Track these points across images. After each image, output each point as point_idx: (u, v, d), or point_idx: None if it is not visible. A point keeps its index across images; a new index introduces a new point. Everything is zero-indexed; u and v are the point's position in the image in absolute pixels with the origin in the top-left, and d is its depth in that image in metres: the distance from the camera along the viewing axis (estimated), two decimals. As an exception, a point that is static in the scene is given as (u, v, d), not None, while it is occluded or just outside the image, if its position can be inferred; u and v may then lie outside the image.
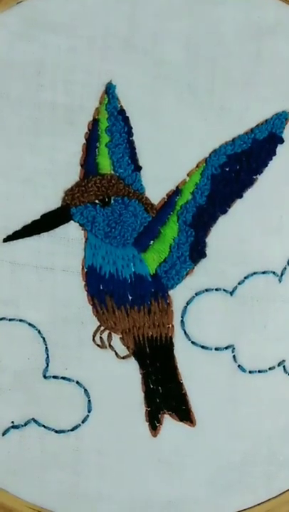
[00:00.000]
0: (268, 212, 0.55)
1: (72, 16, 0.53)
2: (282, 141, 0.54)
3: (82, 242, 0.55)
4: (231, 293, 0.55)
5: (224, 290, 0.55)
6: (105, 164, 0.54)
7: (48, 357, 0.55)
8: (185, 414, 0.55)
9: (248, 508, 0.56)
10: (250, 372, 0.55)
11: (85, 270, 0.54)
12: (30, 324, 0.55)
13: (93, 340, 0.55)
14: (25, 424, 0.55)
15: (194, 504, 0.56)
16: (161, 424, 0.55)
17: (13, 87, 0.53)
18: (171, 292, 0.55)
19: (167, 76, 0.53)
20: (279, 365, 0.55)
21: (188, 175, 0.54)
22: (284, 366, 0.55)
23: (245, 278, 0.55)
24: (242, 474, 0.56)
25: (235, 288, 0.55)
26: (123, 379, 0.55)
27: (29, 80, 0.53)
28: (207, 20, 0.53)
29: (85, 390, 0.55)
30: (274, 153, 0.54)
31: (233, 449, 0.56)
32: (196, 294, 0.55)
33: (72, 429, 0.55)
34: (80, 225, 0.54)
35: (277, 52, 0.54)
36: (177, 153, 0.54)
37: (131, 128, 0.54)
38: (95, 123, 0.54)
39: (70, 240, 0.54)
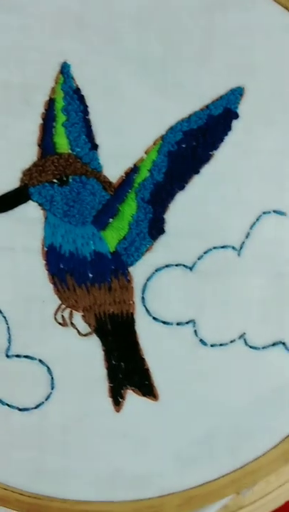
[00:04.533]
0: (226, 187, 0.57)
1: None
2: (237, 116, 0.56)
3: (42, 221, 0.56)
4: (191, 268, 0.57)
5: (184, 266, 0.57)
6: (62, 143, 0.56)
7: (10, 336, 0.57)
8: (148, 389, 0.58)
9: (213, 480, 0.58)
10: (211, 345, 0.57)
11: (45, 249, 0.56)
12: (-9, 304, 0.56)
13: (55, 318, 0.57)
14: (-11, 403, 0.57)
15: (160, 478, 0.58)
16: (124, 400, 0.58)
17: None
18: (131, 269, 0.57)
19: (121, 53, 0.55)
20: (240, 337, 0.57)
21: (145, 152, 0.56)
22: (245, 339, 0.57)
23: (205, 253, 0.57)
24: (206, 447, 0.58)
25: (195, 263, 0.57)
26: (85, 356, 0.57)
27: None
28: None
29: (48, 368, 0.57)
30: (229, 129, 0.56)
31: (197, 422, 0.58)
32: (156, 270, 0.57)
33: (35, 407, 0.57)
34: (39, 204, 0.56)
35: (229, 26, 0.55)
36: (134, 131, 0.56)
37: (87, 107, 0.56)
38: (50, 102, 0.56)
39: (29, 219, 0.56)
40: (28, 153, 0.56)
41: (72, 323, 0.57)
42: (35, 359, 0.57)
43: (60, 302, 0.57)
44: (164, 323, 0.57)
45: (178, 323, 0.57)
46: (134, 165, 0.56)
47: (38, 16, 0.55)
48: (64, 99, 0.56)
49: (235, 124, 0.56)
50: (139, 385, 0.58)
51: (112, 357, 0.57)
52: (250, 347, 0.57)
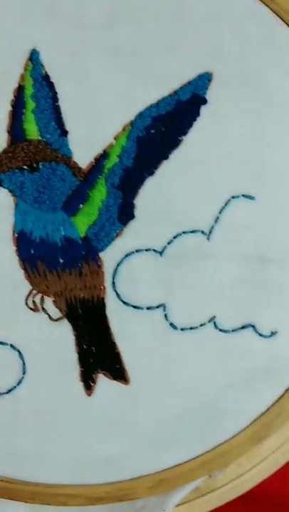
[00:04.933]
0: (195, 172, 0.57)
1: None
2: (205, 101, 0.57)
3: (12, 208, 0.57)
4: (161, 253, 0.57)
5: (154, 250, 0.58)
6: (32, 130, 0.56)
7: (-19, 322, 0.57)
8: (119, 373, 0.58)
9: (185, 462, 0.58)
10: (181, 329, 0.58)
11: (16, 235, 0.57)
12: None
13: (26, 303, 0.58)
14: None
15: (132, 460, 0.59)
16: (95, 384, 0.58)
17: None
18: (101, 254, 0.58)
19: (91, 40, 0.56)
20: (210, 321, 0.58)
21: (114, 138, 0.57)
22: (214, 322, 0.58)
23: (174, 238, 0.58)
24: (177, 430, 0.59)
25: (165, 248, 0.58)
26: (57, 341, 0.58)
27: None
28: None
29: (19, 353, 0.58)
30: (198, 114, 0.57)
31: (168, 405, 0.59)
32: (127, 255, 0.58)
33: (7, 392, 0.58)
34: (9, 191, 0.57)
35: (198, 12, 0.56)
36: (103, 117, 0.57)
37: (56, 93, 0.56)
38: (20, 89, 0.56)
39: (-1, 206, 0.57)
40: (-2, 140, 0.56)
41: (43, 309, 0.58)
42: (7, 344, 0.58)
43: (31, 288, 0.58)
44: (135, 307, 0.58)
45: (148, 308, 0.58)
46: (104, 151, 0.57)
47: (7, 4, 0.55)
48: (33, 86, 0.56)
49: (203, 109, 0.57)
50: (110, 369, 0.58)
51: (83, 341, 0.58)
52: (220, 330, 0.58)
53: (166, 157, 0.57)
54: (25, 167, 0.56)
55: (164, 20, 0.56)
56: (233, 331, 0.58)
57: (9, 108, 0.56)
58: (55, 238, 0.57)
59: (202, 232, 0.58)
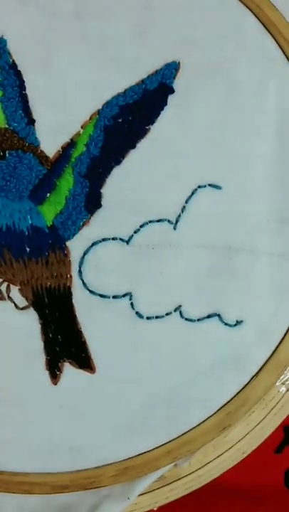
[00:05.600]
0: (162, 161, 0.58)
1: None
2: (172, 91, 0.57)
3: (-22, 195, 0.57)
4: (128, 242, 0.58)
5: (120, 239, 0.58)
6: (-1, 118, 0.56)
7: None
8: (85, 362, 0.59)
9: (149, 451, 0.59)
10: (147, 318, 0.58)
11: (-18, 224, 0.57)
12: None
13: (-8, 292, 0.58)
14: None
15: (96, 448, 0.59)
16: (61, 372, 0.58)
17: None
18: (68, 243, 0.58)
19: (59, 28, 0.57)
20: (175, 310, 0.58)
21: (82, 127, 0.57)
22: (180, 311, 0.58)
23: (141, 227, 0.58)
24: (142, 418, 0.59)
25: (132, 237, 0.58)
26: (23, 329, 0.58)
27: None
28: None
29: (-15, 337, 0.58)
30: (165, 103, 0.58)
31: (134, 393, 0.59)
32: (93, 244, 0.58)
33: (-28, 379, 0.58)
34: (-25, 179, 0.57)
35: (167, 1, 0.57)
36: (70, 106, 0.57)
37: (23, 82, 0.57)
38: (-14, 77, 0.56)
39: None
40: None
41: (9, 297, 0.58)
42: (-27, 332, 0.58)
43: (-3, 276, 0.58)
44: (101, 296, 0.58)
45: (114, 297, 0.58)
46: (71, 139, 0.57)
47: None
48: (0, 74, 0.56)
49: (170, 98, 0.57)
50: (75, 357, 0.59)
51: (49, 330, 0.58)
52: (186, 319, 0.58)
53: (133, 146, 0.57)
54: (-9, 155, 0.57)
55: (133, 10, 0.57)
56: (198, 320, 0.59)
57: (-24, 96, 0.56)
58: (22, 227, 0.57)
59: (168, 221, 0.58)
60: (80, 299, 0.58)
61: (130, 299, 0.58)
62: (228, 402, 0.59)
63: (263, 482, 0.71)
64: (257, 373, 0.59)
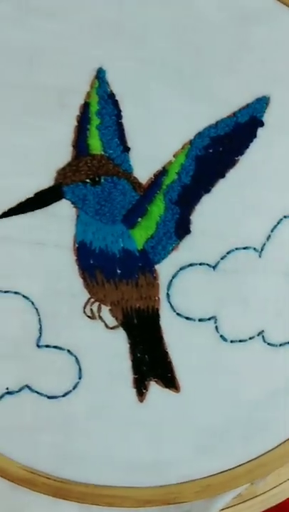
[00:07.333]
0: (249, 191, 0.60)
1: (63, 1, 0.58)
2: (262, 124, 0.60)
3: (74, 219, 0.60)
4: (214, 267, 0.60)
5: (207, 265, 0.60)
6: (96, 145, 0.59)
7: (41, 327, 0.60)
8: (170, 381, 0.61)
9: (230, 469, 0.61)
10: (231, 341, 0.61)
11: (76, 245, 0.60)
12: (24, 296, 0.60)
13: (84, 311, 0.60)
14: (20, 391, 0.61)
15: (177, 465, 0.62)
16: (147, 391, 0.61)
17: (7, 72, 0.58)
18: (157, 267, 0.60)
19: (154, 61, 0.59)
20: (258, 335, 0.61)
21: (174, 156, 0.60)
22: (263, 336, 0.61)
23: (228, 253, 0.60)
24: (223, 437, 0.62)
25: (218, 262, 0.60)
26: (112, 348, 0.61)
27: (22, 65, 0.58)
28: (191, 7, 0.58)
29: (76, 358, 0.60)
30: (255, 136, 0.60)
31: (215, 413, 0.61)
32: (181, 269, 0.60)
33: (63, 395, 0.61)
34: (72, 202, 0.59)
35: (260, 38, 0.59)
36: (164, 135, 0.59)
37: (120, 111, 0.59)
38: (85, 106, 0.59)
39: (62, 216, 0.59)
40: (63, 154, 0.59)
41: (100, 317, 0.61)
42: (64, 349, 0.60)
43: (89, 296, 0.60)
44: (187, 318, 0.61)
45: (200, 319, 0.61)
46: (163, 167, 0.60)
47: (77, 22, 0.58)
48: (98, 103, 0.59)
49: (260, 131, 0.60)
50: (161, 377, 0.61)
51: (137, 350, 0.61)
52: (268, 344, 0.61)
53: (222, 176, 0.60)
54: (88, 180, 0.59)
55: (226, 45, 0.59)
56: (280, 345, 0.61)
57: (75, 123, 0.59)
58: (114, 249, 0.60)
59: (254, 248, 0.60)
60: (167, 321, 0.61)
61: (215, 323, 0.61)
62: (305, 426, 0.62)
63: None
64: None
